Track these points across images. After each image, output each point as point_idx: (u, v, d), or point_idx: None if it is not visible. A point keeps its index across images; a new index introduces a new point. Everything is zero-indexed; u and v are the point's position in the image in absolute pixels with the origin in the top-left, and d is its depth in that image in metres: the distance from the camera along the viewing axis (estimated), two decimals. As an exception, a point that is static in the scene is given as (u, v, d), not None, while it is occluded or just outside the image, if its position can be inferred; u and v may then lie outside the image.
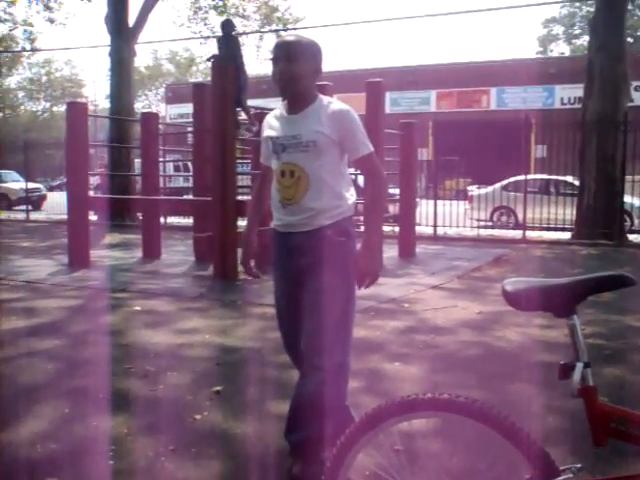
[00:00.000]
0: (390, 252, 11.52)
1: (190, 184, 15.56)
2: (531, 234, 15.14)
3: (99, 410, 4.07)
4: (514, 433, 1.87)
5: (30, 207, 23.04)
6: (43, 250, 12.69)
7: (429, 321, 6.61)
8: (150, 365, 4.99)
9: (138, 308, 7.17)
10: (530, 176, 17.03)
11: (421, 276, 9.52)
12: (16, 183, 27.36)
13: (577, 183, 15.64)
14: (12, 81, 62.10)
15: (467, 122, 30.37)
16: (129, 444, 3.55)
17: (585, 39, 44.31)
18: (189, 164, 21.31)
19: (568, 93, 32.50)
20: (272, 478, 3.26)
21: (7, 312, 6.95)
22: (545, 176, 18.82)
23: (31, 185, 24.86)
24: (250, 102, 11.28)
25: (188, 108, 28.74)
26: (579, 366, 1.86)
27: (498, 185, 18.76)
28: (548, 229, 15.97)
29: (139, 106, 52.29)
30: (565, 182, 17.72)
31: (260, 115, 10.72)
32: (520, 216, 16.21)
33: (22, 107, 61.53)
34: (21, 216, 22.09)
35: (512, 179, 18.28)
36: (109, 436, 3.67)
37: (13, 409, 4.08)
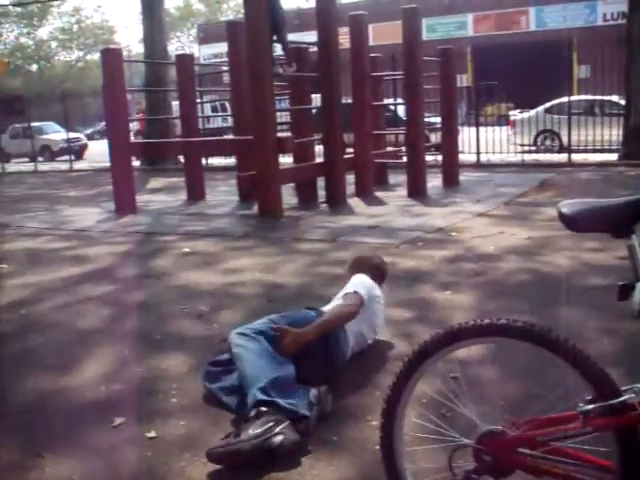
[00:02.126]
0: (434, 181, 11.42)
1: (229, 124, 15.51)
2: (576, 157, 14.84)
3: (157, 351, 4.17)
4: (574, 355, 1.86)
5: (72, 157, 23.25)
6: (89, 198, 12.87)
7: (477, 249, 6.57)
8: (203, 305, 5.07)
9: (187, 250, 7.27)
10: (574, 97, 16.57)
11: (466, 204, 9.43)
12: (57, 134, 27.64)
13: (623, 102, 15.19)
14: (44, 32, 62.27)
15: (506, 45, 29.64)
16: (190, 382, 3.63)
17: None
18: (227, 104, 21.25)
19: (611, 8, 31.29)
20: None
21: (60, 261, 7.11)
22: (589, 97, 18.29)
23: (72, 135, 25.06)
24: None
25: (221, 48, 28.52)
26: (639, 287, 1.82)
27: (541, 108, 18.35)
28: (594, 151, 15.60)
29: (172, 49, 51.90)
30: (610, 102, 17.21)
31: (297, 51, 10.58)
32: (564, 139, 15.86)
33: (56, 58, 61.60)
34: (65, 166, 22.36)
35: (555, 101, 17.85)
36: (170, 375, 3.77)
37: (74, 353, 4.20)
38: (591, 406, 1.82)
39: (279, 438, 2.78)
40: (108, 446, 3.00)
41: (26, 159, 26.26)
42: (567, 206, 1.91)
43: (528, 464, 1.90)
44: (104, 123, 14.29)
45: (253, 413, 2.91)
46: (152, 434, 3.08)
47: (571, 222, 1.90)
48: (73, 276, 6.36)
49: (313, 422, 3.06)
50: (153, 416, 3.28)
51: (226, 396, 3.32)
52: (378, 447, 2.23)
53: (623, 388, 1.84)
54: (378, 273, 4.20)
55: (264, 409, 2.91)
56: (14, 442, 3.09)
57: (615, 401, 1.80)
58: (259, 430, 2.79)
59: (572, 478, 1.86)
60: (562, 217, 1.91)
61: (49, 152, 27.20)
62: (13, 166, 24.65)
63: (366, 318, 3.81)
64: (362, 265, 4.20)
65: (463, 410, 2.15)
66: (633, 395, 1.81)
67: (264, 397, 2.98)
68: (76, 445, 3.03)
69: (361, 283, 3.89)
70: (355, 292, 3.76)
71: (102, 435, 3.11)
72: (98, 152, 23.63)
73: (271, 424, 2.82)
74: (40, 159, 25.34)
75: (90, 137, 36.51)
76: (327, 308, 3.86)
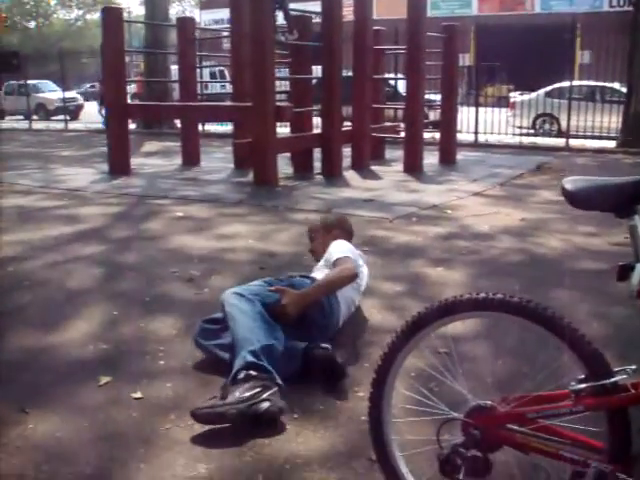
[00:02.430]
0: (430, 159, 11.37)
1: (227, 91, 15.39)
2: (574, 142, 14.79)
3: (146, 312, 4.15)
4: (569, 334, 1.85)
5: (68, 117, 23.04)
6: (83, 159, 12.78)
7: (471, 227, 6.55)
8: (194, 269, 5.04)
9: (180, 214, 7.22)
10: (575, 82, 16.48)
11: (462, 183, 9.40)
12: (53, 93, 27.33)
13: (624, 90, 15.12)
14: (43, -12, 61.36)
15: (510, 26, 29.34)
16: (178, 345, 3.61)
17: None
18: (225, 71, 21.06)
19: (618, -6, 31.05)
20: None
21: (52, 219, 7.05)
22: (591, 82, 18.21)
23: (68, 95, 24.78)
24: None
25: (223, 14, 28.22)
26: (639, 267, 1.80)
27: (541, 91, 18.26)
28: (592, 137, 15.55)
29: (172, 12, 51.26)
30: (612, 89, 17.14)
31: (299, 19, 10.46)
32: (563, 124, 15.80)
33: (55, 15, 60.84)
34: (60, 126, 22.17)
35: (556, 85, 17.75)
36: (158, 337, 3.75)
37: (63, 312, 4.17)
38: (583, 385, 1.80)
39: (265, 405, 2.77)
40: (93, 405, 2.98)
41: (20, 117, 26.02)
42: (571, 182, 1.88)
43: (516, 440, 1.89)
44: (89, 85, 13.99)
45: (242, 376, 2.89)
46: (138, 395, 3.07)
47: (574, 199, 1.86)
48: (64, 235, 6.31)
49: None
50: (140, 377, 3.26)
51: (223, 352, 3.29)
52: (365, 418, 2.22)
53: (616, 369, 1.82)
54: (351, 236, 4.34)
55: (253, 373, 2.89)
56: (-2, 396, 3.07)
57: (608, 381, 1.78)
58: (246, 394, 2.77)
59: (560, 457, 1.85)
60: (565, 193, 1.87)
61: (44, 111, 26.93)
62: (7, 123, 24.43)
63: (354, 284, 3.80)
64: (337, 229, 4.26)
65: (453, 384, 2.14)
66: (625, 376, 1.80)
67: (254, 360, 2.95)
68: (61, 402, 3.01)
69: (347, 249, 3.89)
70: (347, 257, 3.77)
71: (88, 394, 3.09)
72: (94, 113, 23.47)
73: (258, 389, 2.80)
74: (35, 117, 25.11)
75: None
76: (315, 275, 3.84)
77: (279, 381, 2.93)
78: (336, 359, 3.14)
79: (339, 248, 3.89)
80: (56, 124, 23.01)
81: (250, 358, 2.96)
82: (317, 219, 4.75)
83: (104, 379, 3.21)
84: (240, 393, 2.78)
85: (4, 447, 2.63)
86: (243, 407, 2.74)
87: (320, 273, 3.83)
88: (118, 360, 3.41)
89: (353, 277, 3.67)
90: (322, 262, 3.94)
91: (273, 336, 3.16)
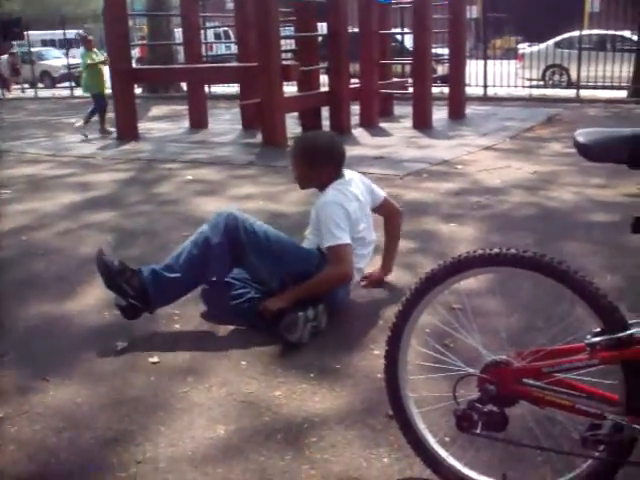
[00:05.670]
0: (439, 113, 11.27)
1: (232, 52, 15.24)
2: (585, 93, 14.62)
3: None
4: (584, 287, 1.84)
5: (73, 83, 22.87)
6: (90, 125, 12.71)
7: (483, 182, 6.52)
8: (206, 233, 5.03)
9: (190, 177, 7.21)
10: (585, 32, 16.21)
11: (472, 137, 9.32)
12: (57, 60, 27.10)
13: (635, 38, 14.86)
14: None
15: (517, -25, 28.83)
16: (192, 309, 3.63)
17: None
18: (230, 31, 20.84)
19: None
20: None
21: (62, 187, 7.06)
22: (601, 31, 17.91)
23: (72, 61, 24.58)
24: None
25: (225, -27, 27.77)
26: (654, 219, 1.78)
27: (550, 42, 17.99)
28: (603, 88, 15.34)
29: (175, -27, 50.69)
30: (622, 37, 16.85)
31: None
32: (573, 74, 15.63)
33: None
34: (66, 92, 22.05)
35: (565, 35, 17.48)
36: (173, 304, 3.76)
37: (77, 279, 4.20)
38: (598, 338, 1.80)
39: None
40: (111, 370, 3.01)
41: (26, 85, 25.88)
42: (583, 135, 1.85)
43: (532, 395, 1.90)
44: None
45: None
46: (155, 359, 3.09)
47: (587, 151, 1.84)
48: (75, 202, 6.32)
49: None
50: (156, 341, 3.29)
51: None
52: (381, 375, 2.23)
53: (631, 322, 1.82)
54: (338, 160, 3.62)
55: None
56: (19, 365, 3.10)
57: (623, 334, 1.78)
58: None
59: (576, 410, 1.85)
60: (578, 146, 1.85)
61: (49, 78, 26.76)
62: (12, 91, 24.31)
63: (361, 239, 3.52)
64: (315, 158, 3.55)
65: (468, 340, 2.14)
66: (640, 328, 1.79)
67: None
68: (80, 369, 3.04)
69: (337, 217, 3.37)
70: (341, 246, 3.35)
71: (105, 360, 3.12)
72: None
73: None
74: (40, 85, 24.97)
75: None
76: (306, 244, 3.61)
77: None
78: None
79: (331, 218, 3.37)
80: (61, 91, 22.88)
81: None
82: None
83: (121, 345, 3.24)
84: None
85: (26, 414, 2.67)
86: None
87: (309, 242, 3.58)
88: (133, 326, 3.43)
89: (346, 281, 3.46)
90: (310, 228, 3.63)
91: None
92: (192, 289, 3.50)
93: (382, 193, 3.86)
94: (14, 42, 24.73)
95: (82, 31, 16.02)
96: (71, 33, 23.58)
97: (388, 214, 3.93)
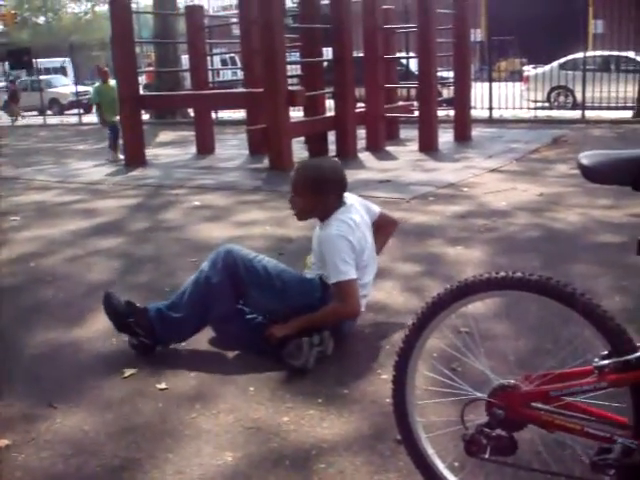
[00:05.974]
0: (446, 136, 11.30)
1: (239, 77, 15.35)
2: (590, 114, 14.64)
3: (167, 303, 4.15)
4: (591, 310, 1.83)
5: (81, 110, 23.06)
6: (98, 152, 12.83)
7: (489, 205, 6.52)
8: (213, 258, 5.04)
9: (197, 203, 7.24)
10: (589, 53, 16.28)
11: (478, 160, 9.34)
12: (66, 87, 27.37)
13: (639, 58, 14.90)
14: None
15: (521, -2, 29.01)
16: (200, 334, 3.60)
17: None
18: (236, 57, 21.00)
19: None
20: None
21: (69, 213, 7.10)
22: (605, 52, 17.97)
23: (81, 88, 24.81)
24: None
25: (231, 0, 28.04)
26: (659, 239, 1.78)
27: (555, 64, 18.04)
28: (608, 108, 15.36)
29: (181, 0, 51.12)
30: (627, 58, 16.88)
31: (309, 2, 10.40)
32: (578, 95, 15.64)
33: (64, 10, 60.74)
34: (74, 120, 22.23)
35: (570, 57, 17.53)
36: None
37: (85, 306, 4.20)
38: (607, 361, 1.79)
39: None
40: (119, 397, 3.01)
41: (35, 112, 26.11)
42: (587, 157, 1.85)
43: (541, 418, 1.89)
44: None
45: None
46: (163, 385, 3.09)
47: (590, 173, 1.84)
48: (83, 229, 6.35)
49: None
50: (163, 368, 3.28)
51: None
52: (389, 400, 2.22)
53: (639, 344, 1.81)
54: (342, 188, 3.50)
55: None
56: (26, 393, 3.10)
57: (631, 356, 1.77)
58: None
59: (585, 433, 1.84)
60: (582, 168, 1.85)
61: (58, 106, 27.00)
62: (22, 119, 24.53)
63: (365, 267, 3.48)
64: (321, 187, 3.41)
65: (476, 364, 2.14)
66: (649, 351, 1.78)
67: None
68: (87, 396, 3.04)
69: (342, 251, 3.27)
70: (348, 282, 3.27)
71: (113, 386, 3.12)
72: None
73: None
74: (49, 112, 25.18)
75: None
76: (306, 272, 3.58)
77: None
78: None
79: (337, 252, 3.27)
80: (70, 118, 23.07)
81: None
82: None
83: (128, 371, 3.23)
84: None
85: (33, 442, 2.66)
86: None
87: (312, 272, 3.52)
88: (142, 353, 3.42)
89: (353, 316, 3.45)
90: (314, 259, 3.57)
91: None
92: (201, 328, 3.48)
93: (377, 209, 3.81)
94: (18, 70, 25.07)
95: (99, 64, 16.10)
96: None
97: (385, 224, 3.88)
